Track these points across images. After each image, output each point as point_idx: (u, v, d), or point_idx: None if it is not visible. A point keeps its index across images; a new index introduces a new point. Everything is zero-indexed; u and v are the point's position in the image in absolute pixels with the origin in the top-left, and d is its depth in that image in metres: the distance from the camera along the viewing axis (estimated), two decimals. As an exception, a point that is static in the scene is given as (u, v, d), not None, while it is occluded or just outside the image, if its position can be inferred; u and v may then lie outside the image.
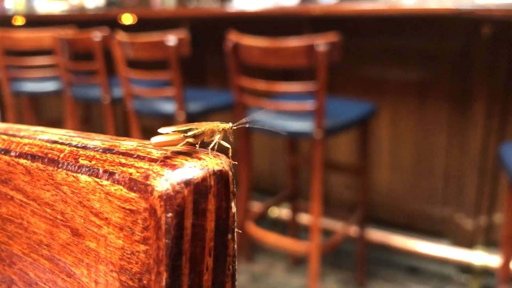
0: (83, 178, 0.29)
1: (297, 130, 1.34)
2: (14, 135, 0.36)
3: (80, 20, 2.36)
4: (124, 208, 0.26)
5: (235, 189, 0.26)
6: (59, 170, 0.31)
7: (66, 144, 0.32)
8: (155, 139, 0.29)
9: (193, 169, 0.25)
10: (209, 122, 0.31)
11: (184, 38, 1.48)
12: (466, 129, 1.61)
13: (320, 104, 1.25)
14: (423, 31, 1.65)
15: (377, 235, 1.81)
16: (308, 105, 1.27)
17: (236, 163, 0.28)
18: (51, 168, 0.32)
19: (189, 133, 0.30)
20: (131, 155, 0.28)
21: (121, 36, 1.59)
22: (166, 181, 0.25)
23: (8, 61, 2.02)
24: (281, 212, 2.02)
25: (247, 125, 0.34)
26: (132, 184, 0.26)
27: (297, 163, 1.81)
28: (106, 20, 2.13)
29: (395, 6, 1.53)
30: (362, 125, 1.51)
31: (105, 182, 0.28)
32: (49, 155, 0.32)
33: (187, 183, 0.25)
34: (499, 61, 1.51)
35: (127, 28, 1.83)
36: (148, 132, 1.88)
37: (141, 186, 0.26)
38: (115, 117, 1.93)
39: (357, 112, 1.43)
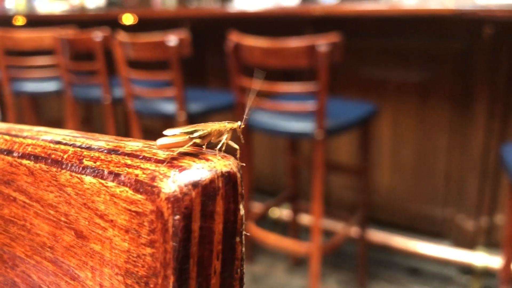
0: (88, 179, 0.29)
1: (298, 130, 1.33)
2: (16, 136, 0.36)
3: (80, 20, 2.36)
4: (130, 210, 0.26)
5: (243, 191, 0.26)
6: (63, 171, 0.30)
7: (70, 145, 0.32)
8: (160, 141, 0.28)
9: (200, 171, 0.25)
10: (216, 123, 0.31)
11: (185, 38, 1.48)
12: (467, 130, 1.60)
13: (321, 104, 1.25)
14: (425, 31, 1.65)
15: (378, 236, 1.81)
16: (309, 105, 1.27)
17: (244, 164, 0.27)
18: (54, 169, 0.31)
19: (195, 134, 0.29)
20: (137, 156, 0.28)
21: (121, 36, 1.59)
22: (173, 182, 0.25)
23: (8, 61, 2.01)
24: (282, 212, 2.01)
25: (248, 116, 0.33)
26: (138, 186, 0.26)
27: (298, 164, 1.81)
28: (107, 20, 2.13)
29: (396, 7, 1.52)
30: (363, 126, 1.50)
31: (110, 184, 0.27)
32: (53, 156, 0.32)
33: (194, 184, 0.24)
34: (501, 61, 1.51)
35: (128, 28, 1.82)
36: (148, 133, 1.88)
37: (147, 188, 0.25)
38: (116, 118, 1.92)
39: (358, 113, 1.43)
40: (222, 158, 0.26)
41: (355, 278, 1.69)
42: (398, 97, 1.73)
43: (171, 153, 0.27)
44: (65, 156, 0.31)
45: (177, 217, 0.24)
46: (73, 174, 0.30)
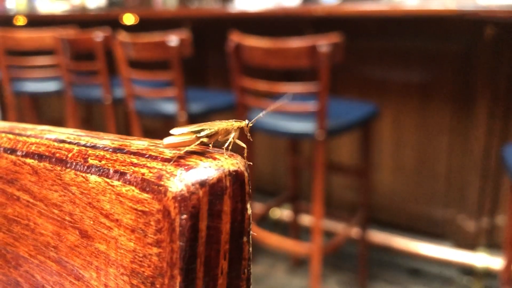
0: (93, 178, 0.28)
1: (299, 131, 1.33)
2: (20, 134, 0.35)
3: (81, 20, 2.35)
4: (136, 209, 0.26)
5: (250, 190, 0.26)
6: (67, 170, 0.30)
7: (74, 144, 0.32)
8: (167, 140, 0.28)
9: (208, 170, 0.25)
10: (223, 121, 0.31)
11: (185, 38, 1.47)
12: (468, 131, 1.60)
13: (322, 105, 1.24)
14: (426, 32, 1.65)
15: (378, 236, 1.80)
16: (310, 106, 1.26)
17: (251, 163, 0.27)
18: (59, 168, 0.31)
19: (202, 133, 0.29)
20: (143, 155, 0.27)
21: (122, 36, 1.58)
22: (180, 181, 0.24)
23: (9, 61, 2.01)
24: (283, 213, 2.01)
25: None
26: (144, 185, 0.26)
27: (299, 164, 1.81)
28: (108, 20, 2.12)
29: (397, 7, 1.52)
30: (364, 126, 1.50)
31: (116, 183, 0.27)
32: (57, 155, 0.31)
33: (202, 183, 0.24)
34: (502, 62, 1.50)
35: (129, 28, 1.82)
36: (149, 133, 1.88)
37: (154, 187, 0.25)
38: (117, 118, 1.92)
39: (359, 113, 1.42)
40: (229, 157, 0.26)
41: (356, 278, 1.68)
42: (399, 97, 1.73)
43: (178, 152, 0.27)
44: (69, 155, 0.31)
45: (184, 216, 0.24)
46: (78, 173, 0.29)
